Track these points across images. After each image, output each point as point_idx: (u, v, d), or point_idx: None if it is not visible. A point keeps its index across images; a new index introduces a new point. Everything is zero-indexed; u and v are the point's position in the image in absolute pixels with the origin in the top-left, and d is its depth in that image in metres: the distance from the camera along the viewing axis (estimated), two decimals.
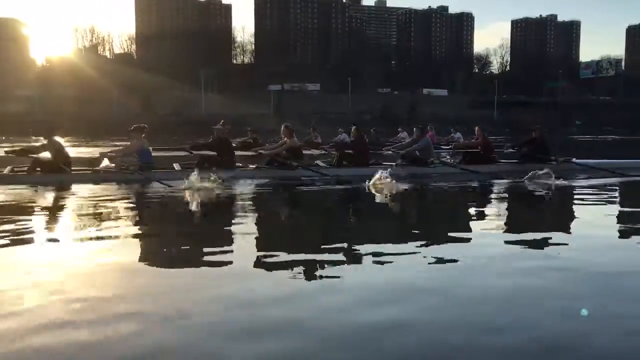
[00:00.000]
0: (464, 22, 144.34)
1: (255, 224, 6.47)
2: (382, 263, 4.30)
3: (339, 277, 4.02)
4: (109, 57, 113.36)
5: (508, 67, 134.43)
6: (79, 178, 9.53)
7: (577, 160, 11.59)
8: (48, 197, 8.17)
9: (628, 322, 3.10)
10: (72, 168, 9.77)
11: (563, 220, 6.73)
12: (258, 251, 4.92)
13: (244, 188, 9.01)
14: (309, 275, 3.97)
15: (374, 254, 4.53)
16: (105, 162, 10.01)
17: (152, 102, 68.64)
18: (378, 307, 3.26)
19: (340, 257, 4.59)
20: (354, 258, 4.51)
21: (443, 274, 4.13)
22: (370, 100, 77.69)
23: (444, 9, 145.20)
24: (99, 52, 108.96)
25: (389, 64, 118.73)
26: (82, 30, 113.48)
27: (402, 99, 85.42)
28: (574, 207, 7.98)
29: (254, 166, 10.62)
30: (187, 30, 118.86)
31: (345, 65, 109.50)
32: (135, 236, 5.42)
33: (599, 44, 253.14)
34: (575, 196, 8.80)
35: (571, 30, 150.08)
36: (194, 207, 7.51)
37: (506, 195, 9.04)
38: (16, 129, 43.15)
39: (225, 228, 6.01)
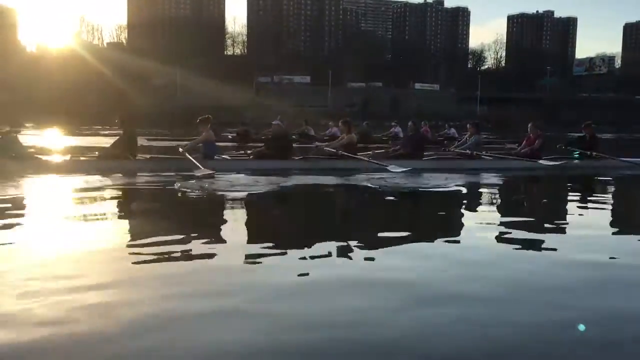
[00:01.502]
0: (460, 17, 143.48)
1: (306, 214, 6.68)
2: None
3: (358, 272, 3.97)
4: (99, 46, 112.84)
5: (503, 62, 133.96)
6: (143, 166, 9.68)
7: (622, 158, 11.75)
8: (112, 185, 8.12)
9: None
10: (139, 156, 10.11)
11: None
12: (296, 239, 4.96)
13: (300, 179, 9.10)
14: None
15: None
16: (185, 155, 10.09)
17: (132, 91, 67.84)
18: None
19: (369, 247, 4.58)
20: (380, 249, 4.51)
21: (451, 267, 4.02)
22: (353, 94, 77.23)
23: (439, 3, 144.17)
24: (88, 41, 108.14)
25: (381, 58, 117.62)
26: (72, 19, 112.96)
27: (385, 92, 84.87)
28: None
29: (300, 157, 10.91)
30: (179, 19, 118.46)
31: (337, 58, 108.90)
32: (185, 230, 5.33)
33: (596, 41, 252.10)
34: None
35: (568, 26, 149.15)
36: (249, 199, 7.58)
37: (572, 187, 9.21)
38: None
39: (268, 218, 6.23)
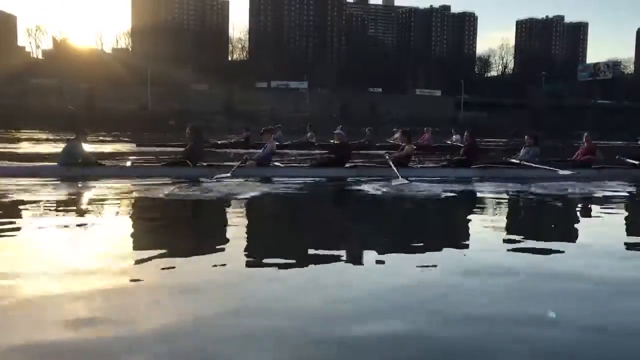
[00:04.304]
0: (466, 23, 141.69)
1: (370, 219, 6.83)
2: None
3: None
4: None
5: (512, 69, 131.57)
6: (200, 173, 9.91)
7: None
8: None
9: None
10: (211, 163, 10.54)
11: None
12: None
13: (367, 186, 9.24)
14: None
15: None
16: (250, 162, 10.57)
17: (101, 96, 68.32)
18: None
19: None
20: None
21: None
22: (332, 99, 76.73)
23: (445, 8, 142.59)
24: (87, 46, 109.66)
25: (381, 64, 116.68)
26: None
27: (364, 98, 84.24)
28: None
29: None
30: (182, 25, 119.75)
31: (337, 64, 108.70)
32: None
33: (609, 47, 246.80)
34: None
35: (578, 31, 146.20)
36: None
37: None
38: None
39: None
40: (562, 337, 2.85)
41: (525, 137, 11.29)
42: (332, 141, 21.18)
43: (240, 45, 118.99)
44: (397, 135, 20.67)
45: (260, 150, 10.78)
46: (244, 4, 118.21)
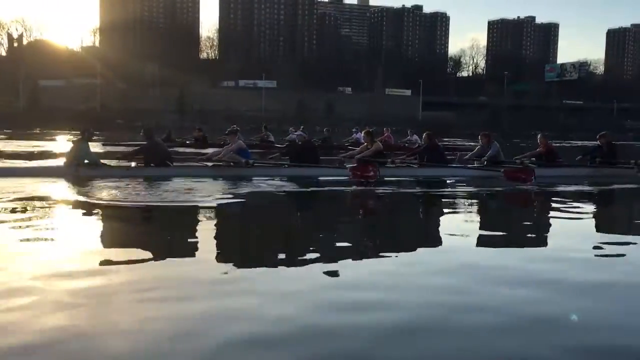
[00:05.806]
0: (438, 23, 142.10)
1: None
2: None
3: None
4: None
5: (483, 69, 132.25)
6: (182, 172, 10.24)
7: None
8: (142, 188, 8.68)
9: None
10: (175, 164, 10.67)
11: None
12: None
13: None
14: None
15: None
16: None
17: (55, 94, 67.22)
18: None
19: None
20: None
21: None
22: (286, 98, 76.29)
23: (418, 8, 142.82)
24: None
25: (351, 63, 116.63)
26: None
27: (324, 97, 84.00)
28: None
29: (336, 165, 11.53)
30: (152, 23, 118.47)
31: (309, 64, 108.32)
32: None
33: (580, 48, 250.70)
34: None
35: (549, 32, 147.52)
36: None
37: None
38: None
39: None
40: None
41: (479, 137, 11.56)
42: (285, 139, 21.26)
43: (209, 44, 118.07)
44: (356, 135, 20.49)
45: (225, 149, 11.09)
46: (214, 2, 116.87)
